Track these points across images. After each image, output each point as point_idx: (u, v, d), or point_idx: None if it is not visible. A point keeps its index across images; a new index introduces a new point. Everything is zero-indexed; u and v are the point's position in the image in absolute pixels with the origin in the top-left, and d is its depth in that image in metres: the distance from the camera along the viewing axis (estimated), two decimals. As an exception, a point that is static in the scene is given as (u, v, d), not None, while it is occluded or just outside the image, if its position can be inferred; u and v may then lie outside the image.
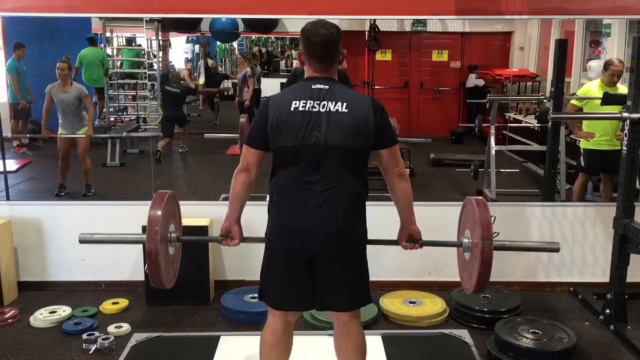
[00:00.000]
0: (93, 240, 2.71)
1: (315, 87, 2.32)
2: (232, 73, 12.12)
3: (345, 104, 2.29)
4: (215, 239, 2.52)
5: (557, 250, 2.65)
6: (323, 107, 2.28)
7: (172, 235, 2.49)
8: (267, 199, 2.39)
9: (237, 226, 2.43)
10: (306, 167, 2.28)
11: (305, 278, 2.34)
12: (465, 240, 2.48)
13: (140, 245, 3.91)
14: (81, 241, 2.62)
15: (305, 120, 2.28)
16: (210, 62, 11.55)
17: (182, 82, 9.46)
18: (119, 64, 10.01)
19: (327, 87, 2.31)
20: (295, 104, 2.30)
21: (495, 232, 2.35)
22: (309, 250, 2.29)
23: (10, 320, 3.69)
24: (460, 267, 2.64)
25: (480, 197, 2.45)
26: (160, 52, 9.25)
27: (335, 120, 2.28)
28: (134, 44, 11.32)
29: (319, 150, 2.26)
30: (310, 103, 2.29)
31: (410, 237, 2.48)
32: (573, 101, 5.17)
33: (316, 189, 2.27)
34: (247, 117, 4.65)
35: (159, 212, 2.35)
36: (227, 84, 11.68)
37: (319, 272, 2.33)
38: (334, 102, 2.29)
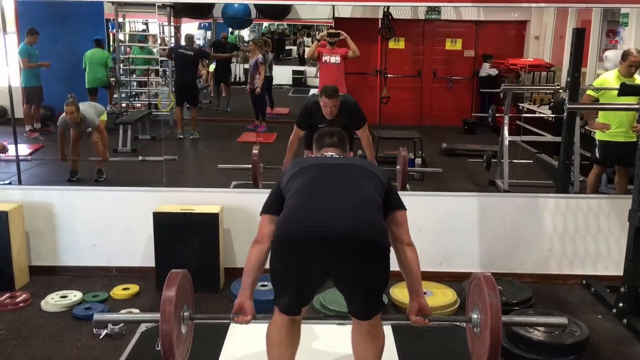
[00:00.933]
0: (107, 320, 3.00)
1: (327, 154, 2.55)
2: (245, 58, 12.02)
3: (357, 159, 2.62)
4: (227, 317, 2.57)
5: (564, 325, 2.78)
6: (336, 161, 2.51)
7: (185, 314, 2.54)
8: None
9: (250, 302, 2.43)
10: (323, 177, 2.35)
11: (315, 274, 2.29)
12: (475, 316, 2.51)
13: (152, 232, 3.93)
14: (95, 320, 2.88)
15: (321, 158, 2.51)
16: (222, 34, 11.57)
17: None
18: (129, 49, 10.00)
19: (340, 155, 2.56)
20: (308, 158, 2.58)
21: (501, 298, 2.42)
22: (326, 229, 2.16)
23: (21, 304, 3.72)
24: (470, 341, 2.65)
25: (489, 275, 2.44)
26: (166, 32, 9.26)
27: (351, 161, 2.54)
28: (146, 30, 11.29)
29: (335, 167, 2.41)
30: (323, 157, 2.53)
31: (420, 312, 2.46)
32: (589, 92, 5.09)
33: (333, 189, 2.29)
34: (260, 147, 4.70)
35: (173, 293, 2.38)
36: (237, 53, 11.66)
37: (335, 274, 2.28)
38: (346, 159, 2.56)
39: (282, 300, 2.34)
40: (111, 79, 8.83)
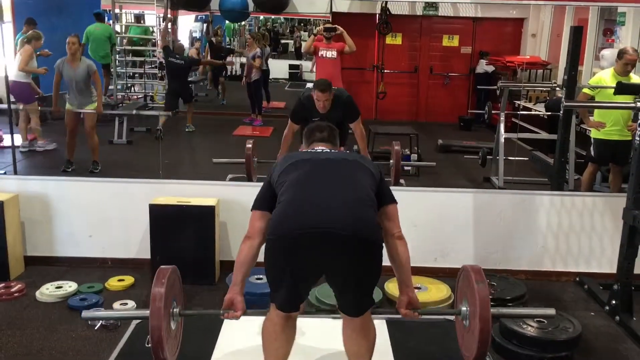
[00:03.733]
0: (96, 317, 2.95)
1: (317, 149, 2.52)
2: (241, 53, 12.03)
3: (347, 152, 2.56)
4: (217, 313, 2.54)
5: (552, 316, 2.89)
6: (327, 155, 2.47)
7: (174, 310, 2.56)
8: None
9: (240, 297, 2.43)
10: (315, 172, 2.34)
11: (310, 272, 2.29)
12: (464, 308, 2.53)
13: (147, 225, 3.93)
14: (83, 318, 2.76)
15: (311, 153, 2.47)
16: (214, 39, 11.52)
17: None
18: (126, 41, 9.95)
19: (330, 149, 2.53)
20: (299, 153, 2.50)
21: (491, 293, 2.47)
22: (320, 227, 2.15)
23: (16, 295, 3.71)
24: (459, 333, 2.67)
25: (477, 266, 2.50)
26: (162, 24, 9.14)
27: (342, 156, 2.48)
28: (142, 22, 11.22)
29: (329, 161, 2.38)
30: (313, 152, 2.49)
31: (409, 305, 2.48)
32: (585, 90, 5.11)
33: (327, 185, 2.28)
34: (254, 142, 4.71)
35: (162, 290, 2.41)
36: (232, 58, 11.59)
37: (328, 271, 2.28)
38: (337, 154, 2.49)
39: (278, 297, 2.34)
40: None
